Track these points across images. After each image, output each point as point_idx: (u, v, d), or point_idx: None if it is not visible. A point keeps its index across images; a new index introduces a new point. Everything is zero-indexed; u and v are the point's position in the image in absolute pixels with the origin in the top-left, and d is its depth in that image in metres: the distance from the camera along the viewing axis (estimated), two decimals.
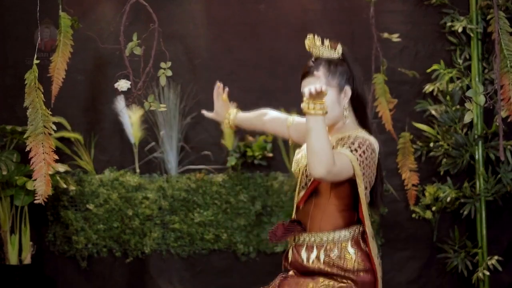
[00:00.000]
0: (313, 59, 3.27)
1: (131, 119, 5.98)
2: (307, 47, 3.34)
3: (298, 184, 3.25)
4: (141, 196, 5.97)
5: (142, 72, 4.92)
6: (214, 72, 6.00)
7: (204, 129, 6.11)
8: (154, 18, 4.95)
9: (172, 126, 6.02)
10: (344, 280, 3.10)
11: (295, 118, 3.58)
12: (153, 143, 6.09)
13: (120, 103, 5.93)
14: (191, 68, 6.11)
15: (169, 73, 5.01)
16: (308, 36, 3.32)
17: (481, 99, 4.33)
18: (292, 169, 3.38)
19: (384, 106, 5.58)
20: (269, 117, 3.69)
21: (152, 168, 6.10)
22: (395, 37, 5.69)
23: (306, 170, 3.20)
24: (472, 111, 5.12)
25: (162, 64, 5.01)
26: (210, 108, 5.96)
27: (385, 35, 5.67)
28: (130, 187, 5.99)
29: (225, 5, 6.12)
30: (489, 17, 5.62)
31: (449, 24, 5.89)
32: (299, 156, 3.34)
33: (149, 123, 6.04)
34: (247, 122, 3.80)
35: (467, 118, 5.08)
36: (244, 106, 5.93)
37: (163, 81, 5.03)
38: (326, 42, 3.31)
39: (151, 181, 6.02)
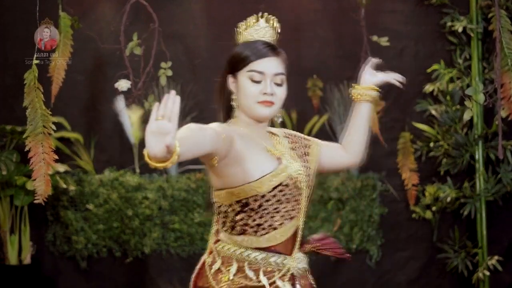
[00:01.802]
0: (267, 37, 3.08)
1: (131, 119, 5.96)
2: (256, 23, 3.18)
3: (304, 196, 2.88)
4: (141, 196, 5.96)
5: (142, 72, 4.94)
6: (214, 72, 5.89)
7: None
8: (154, 18, 4.98)
9: None
10: None
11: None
12: None
13: (120, 103, 5.82)
14: (191, 68, 6.11)
15: (169, 73, 5.07)
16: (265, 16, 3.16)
17: (481, 97, 4.38)
18: (292, 176, 2.83)
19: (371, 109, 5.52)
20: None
21: (152, 168, 5.96)
22: (384, 41, 5.66)
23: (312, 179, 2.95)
24: (471, 109, 5.27)
25: (163, 64, 5.06)
26: (211, 108, 6.01)
27: (375, 38, 5.65)
28: (130, 187, 5.98)
29: (225, 5, 6.09)
30: (490, 15, 5.61)
31: (449, 24, 5.88)
32: (297, 166, 2.88)
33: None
34: None
35: (466, 116, 5.17)
36: None
37: (163, 81, 5.07)
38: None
39: (151, 181, 6.01)
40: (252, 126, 2.86)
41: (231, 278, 2.76)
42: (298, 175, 2.84)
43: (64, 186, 5.75)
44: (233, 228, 2.77)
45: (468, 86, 5.68)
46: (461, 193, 5.85)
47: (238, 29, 2.99)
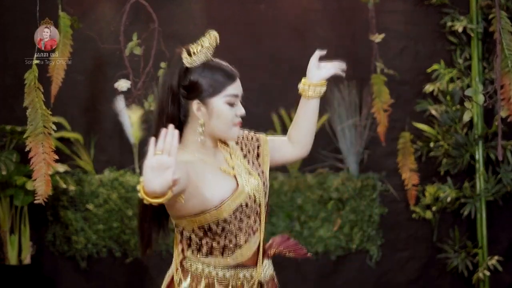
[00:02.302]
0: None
1: (131, 119, 5.95)
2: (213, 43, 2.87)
3: (263, 205, 2.87)
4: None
5: (142, 72, 4.94)
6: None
7: None
8: (154, 18, 4.97)
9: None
10: None
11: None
12: None
13: (120, 103, 5.83)
14: None
15: None
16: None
17: (480, 98, 4.43)
18: (250, 194, 2.80)
19: (379, 108, 5.56)
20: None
21: None
22: (379, 38, 5.62)
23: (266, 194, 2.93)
24: (471, 110, 5.24)
25: (162, 64, 5.04)
26: None
27: (371, 36, 5.64)
28: (130, 187, 5.96)
29: (225, 5, 6.10)
30: (490, 16, 5.60)
31: (449, 24, 5.86)
32: (254, 182, 2.85)
33: (149, 122, 5.92)
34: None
35: (465, 117, 5.16)
36: (244, 106, 5.98)
37: None
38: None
39: None
40: (207, 148, 2.79)
41: None
42: (256, 192, 2.83)
43: (64, 186, 5.75)
44: (199, 250, 2.76)
45: (468, 86, 5.66)
46: (461, 193, 5.83)
47: (190, 50, 2.76)
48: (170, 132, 2.19)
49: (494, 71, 4.19)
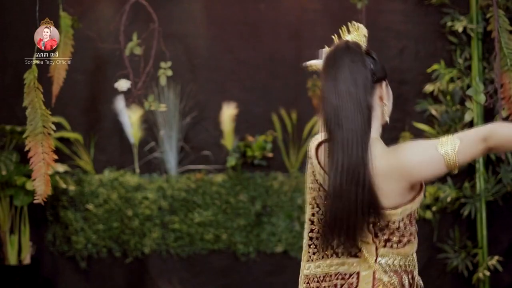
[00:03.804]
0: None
1: (130, 119, 5.99)
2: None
3: None
4: (140, 196, 5.97)
5: (142, 72, 4.93)
6: (214, 71, 6.02)
7: (204, 129, 6.12)
8: (154, 18, 4.97)
9: (172, 126, 6.01)
10: None
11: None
12: (153, 143, 6.09)
13: (119, 103, 5.93)
14: (191, 68, 6.11)
15: (169, 72, 5.04)
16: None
17: (482, 98, 4.36)
18: None
19: None
20: None
21: (152, 168, 6.10)
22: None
23: None
24: (472, 110, 5.23)
25: (162, 64, 5.04)
26: (210, 108, 6.01)
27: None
28: (130, 187, 5.98)
29: (225, 5, 6.10)
30: (488, 15, 5.59)
31: (449, 24, 5.87)
32: None
33: (149, 123, 6.04)
34: None
35: (467, 117, 5.16)
36: (244, 105, 5.99)
37: (163, 80, 5.06)
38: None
39: (150, 181, 6.01)
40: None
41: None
42: None
43: (64, 186, 5.77)
44: (399, 242, 2.67)
45: (468, 86, 5.67)
46: (461, 193, 5.84)
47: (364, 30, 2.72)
48: None
49: (494, 70, 4.17)
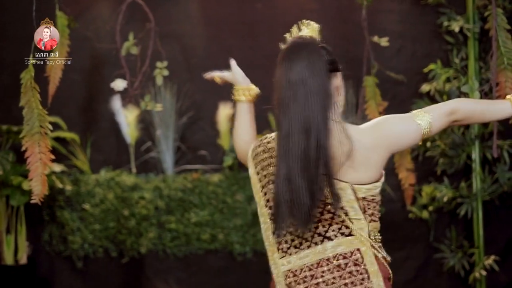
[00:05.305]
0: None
1: (127, 119, 5.98)
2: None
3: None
4: (137, 196, 5.95)
5: (138, 71, 4.93)
6: (211, 70, 5.99)
7: (200, 128, 6.11)
8: (150, 17, 4.96)
9: (168, 126, 6.00)
10: None
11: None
12: (149, 143, 6.08)
13: (116, 102, 5.93)
14: (188, 68, 6.09)
15: (166, 72, 5.03)
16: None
17: (476, 95, 4.42)
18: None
19: (373, 109, 5.50)
20: None
21: (149, 168, 6.09)
22: (384, 41, 5.49)
23: None
24: None
25: (158, 64, 5.03)
26: (207, 108, 5.99)
27: (375, 38, 5.48)
28: (126, 187, 5.96)
29: (222, 4, 6.09)
30: (486, 13, 5.58)
31: (446, 23, 5.86)
32: None
33: (145, 122, 6.03)
34: None
35: None
36: None
37: (159, 80, 5.05)
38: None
39: (147, 181, 6.00)
40: None
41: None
42: None
43: (60, 186, 5.77)
44: (376, 215, 2.82)
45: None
46: (458, 193, 5.84)
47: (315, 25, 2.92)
48: None
49: (490, 69, 4.18)
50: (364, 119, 5.74)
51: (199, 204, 5.99)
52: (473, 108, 2.88)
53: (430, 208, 5.91)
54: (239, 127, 3.07)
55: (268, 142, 2.88)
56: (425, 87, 5.88)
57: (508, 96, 2.98)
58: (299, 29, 2.91)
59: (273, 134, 2.87)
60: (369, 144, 2.71)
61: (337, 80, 2.81)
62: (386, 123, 2.78)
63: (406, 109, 5.67)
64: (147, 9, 4.93)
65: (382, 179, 2.80)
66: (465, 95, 4.81)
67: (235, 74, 3.23)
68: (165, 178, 6.01)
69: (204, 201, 5.99)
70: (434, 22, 5.99)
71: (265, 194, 2.84)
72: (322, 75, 2.70)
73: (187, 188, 5.99)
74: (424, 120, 2.76)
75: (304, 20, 2.91)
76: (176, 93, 6.03)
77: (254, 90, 3.19)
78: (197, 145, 6.10)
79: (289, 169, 2.66)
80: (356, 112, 5.90)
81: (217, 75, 3.29)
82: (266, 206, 2.85)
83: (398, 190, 5.95)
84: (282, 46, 2.89)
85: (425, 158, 6.00)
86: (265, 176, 2.85)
